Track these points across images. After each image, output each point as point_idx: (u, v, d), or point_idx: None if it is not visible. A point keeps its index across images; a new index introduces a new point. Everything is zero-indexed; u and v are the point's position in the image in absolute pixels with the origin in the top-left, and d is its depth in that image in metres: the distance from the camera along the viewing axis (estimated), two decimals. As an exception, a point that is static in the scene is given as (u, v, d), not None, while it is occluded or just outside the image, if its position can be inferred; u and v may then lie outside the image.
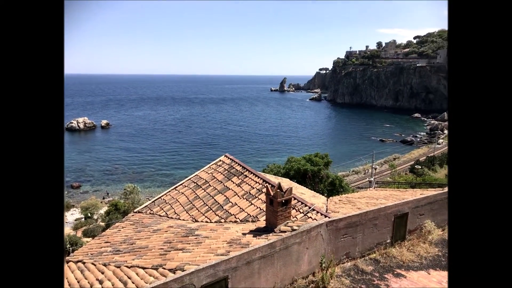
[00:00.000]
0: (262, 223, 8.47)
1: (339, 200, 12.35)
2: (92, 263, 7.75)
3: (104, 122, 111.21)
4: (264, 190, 9.95)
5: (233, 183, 11.39)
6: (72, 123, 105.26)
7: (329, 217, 8.16)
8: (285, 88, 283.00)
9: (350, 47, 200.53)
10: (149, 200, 12.82)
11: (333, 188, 23.58)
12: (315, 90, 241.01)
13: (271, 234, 7.46)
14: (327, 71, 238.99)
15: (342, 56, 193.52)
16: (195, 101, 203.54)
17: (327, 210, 10.06)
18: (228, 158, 13.31)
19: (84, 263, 8.01)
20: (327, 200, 12.83)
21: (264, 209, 8.82)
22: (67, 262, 8.74)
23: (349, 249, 8.51)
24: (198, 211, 10.51)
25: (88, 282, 6.62)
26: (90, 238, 24.20)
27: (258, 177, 11.16)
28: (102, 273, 6.93)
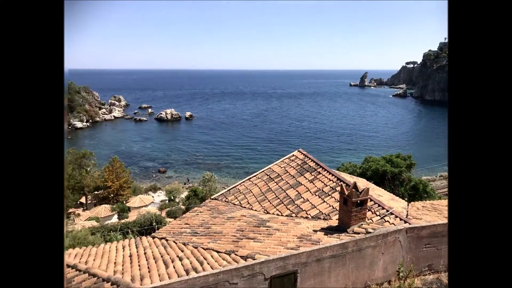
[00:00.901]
0: (334, 222, 8.22)
1: (423, 206, 11.26)
2: (174, 241, 8.54)
3: (188, 114, 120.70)
4: (338, 188, 9.63)
5: (306, 179, 11.28)
6: (161, 113, 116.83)
7: (409, 223, 7.51)
8: (366, 83, 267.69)
9: (445, 38, 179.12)
10: (225, 188, 13.53)
11: (415, 193, 21.59)
12: (400, 86, 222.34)
13: (343, 234, 7.20)
14: (415, 65, 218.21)
15: (435, 48, 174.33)
16: (273, 96, 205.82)
17: (407, 215, 9.26)
18: (302, 153, 13.21)
19: (167, 240, 8.88)
20: (408, 205, 11.81)
21: (337, 208, 8.54)
22: (153, 238, 9.80)
23: (432, 260, 7.71)
24: (270, 203, 10.71)
25: (170, 258, 7.31)
26: (172, 219, 26.73)
27: (332, 175, 10.83)
28: (182, 251, 7.58)
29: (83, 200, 43.48)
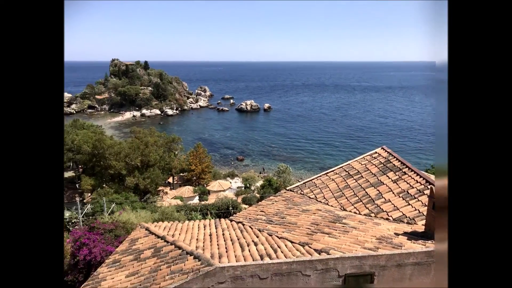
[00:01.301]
0: (419, 227, 7.54)
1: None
2: (250, 226, 8.91)
3: (266, 105, 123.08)
4: (427, 192, 8.77)
5: (389, 178, 10.54)
6: (241, 104, 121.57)
7: None
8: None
9: None
10: (299, 181, 13.50)
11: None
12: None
13: (430, 242, 6.56)
14: None
15: None
16: (357, 89, 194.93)
17: None
18: (385, 151, 12.35)
19: (243, 224, 9.31)
20: None
21: (424, 213, 7.80)
22: (230, 220, 10.38)
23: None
24: (348, 200, 10.33)
25: (246, 241, 7.66)
26: (247, 205, 27.86)
27: (420, 176, 9.90)
28: (257, 237, 7.87)
29: (170, 180, 48.28)
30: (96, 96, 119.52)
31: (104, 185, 37.21)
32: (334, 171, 12.56)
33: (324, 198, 10.99)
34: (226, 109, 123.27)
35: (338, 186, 11.42)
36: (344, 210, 9.88)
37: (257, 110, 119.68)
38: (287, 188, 12.83)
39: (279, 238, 7.57)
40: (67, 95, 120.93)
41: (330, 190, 11.38)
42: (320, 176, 12.71)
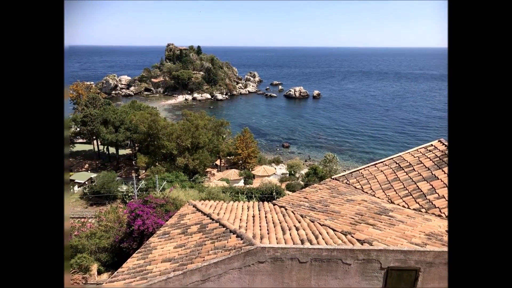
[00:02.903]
0: (476, 227, 7.00)
1: None
2: (292, 212, 8.98)
3: (316, 92, 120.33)
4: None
5: (444, 173, 9.84)
6: (290, 91, 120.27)
7: None
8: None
9: None
10: (345, 171, 13.17)
11: None
12: None
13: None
14: None
15: None
16: (421, 77, 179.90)
17: None
18: (443, 144, 11.49)
19: (286, 209, 9.41)
20: None
21: (483, 212, 7.21)
22: (273, 204, 10.54)
23: None
24: (396, 193, 9.88)
25: (287, 225, 7.77)
26: (290, 192, 27.97)
27: (481, 173, 9.09)
28: (299, 222, 7.92)
29: (217, 162, 49.99)
30: (152, 79, 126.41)
31: (157, 164, 39.74)
32: (384, 162, 12.03)
33: (371, 189, 10.63)
34: (275, 95, 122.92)
35: (386, 177, 10.95)
36: (392, 203, 9.49)
37: (306, 97, 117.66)
38: (333, 177, 12.61)
39: (321, 225, 7.55)
40: (126, 78, 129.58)
41: (377, 181, 10.96)
42: (368, 166, 12.27)
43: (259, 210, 9.66)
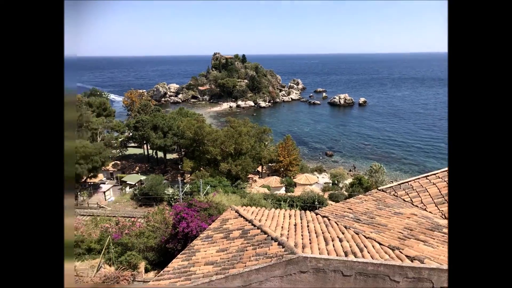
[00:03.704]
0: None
1: None
2: (335, 222, 8.74)
3: (362, 99, 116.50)
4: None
5: (508, 189, 8.94)
6: (334, 98, 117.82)
7: None
8: None
9: None
10: (393, 183, 12.52)
11: None
12: None
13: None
14: None
15: None
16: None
17: None
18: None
19: (329, 219, 9.18)
20: None
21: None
22: (316, 214, 10.34)
23: None
24: (451, 208, 9.18)
25: (330, 236, 7.56)
26: (334, 202, 27.20)
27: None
28: (343, 233, 7.68)
29: (259, 169, 50.31)
30: (198, 87, 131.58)
31: (201, 168, 41.06)
32: (437, 175, 11.25)
33: (422, 202, 9.99)
34: (318, 102, 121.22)
35: (440, 191, 10.22)
36: (446, 218, 8.82)
37: (351, 104, 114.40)
38: (379, 188, 12.06)
39: (366, 238, 7.25)
40: (175, 86, 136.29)
41: (429, 194, 10.27)
42: (419, 178, 11.55)
43: (301, 219, 9.53)
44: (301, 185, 41.25)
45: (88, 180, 40.45)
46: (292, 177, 45.27)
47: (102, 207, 35.04)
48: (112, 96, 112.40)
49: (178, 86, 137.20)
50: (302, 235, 7.99)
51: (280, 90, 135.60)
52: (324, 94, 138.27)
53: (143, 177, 42.13)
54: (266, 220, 9.60)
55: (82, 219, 21.74)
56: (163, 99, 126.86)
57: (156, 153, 54.20)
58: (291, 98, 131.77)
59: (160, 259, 15.69)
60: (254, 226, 8.95)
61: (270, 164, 50.67)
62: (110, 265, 14.59)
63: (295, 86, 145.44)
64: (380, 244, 6.84)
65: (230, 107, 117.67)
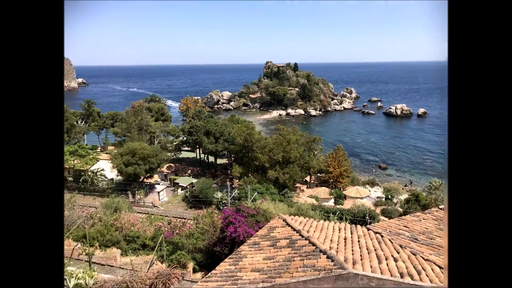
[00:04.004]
0: None
1: None
2: (390, 240, 8.23)
3: (421, 110, 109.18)
4: None
5: None
6: (390, 108, 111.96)
7: None
8: None
9: None
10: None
11: None
12: None
13: None
14: None
15: None
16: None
17: None
18: None
19: (382, 236, 8.68)
20: None
21: None
22: (368, 229, 9.84)
23: None
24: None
25: (384, 254, 7.13)
26: (386, 218, 25.64)
27: None
28: (398, 252, 7.19)
29: (307, 178, 49.49)
30: (250, 95, 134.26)
31: (249, 174, 41.61)
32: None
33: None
34: (373, 112, 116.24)
35: None
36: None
37: (408, 115, 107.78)
38: (440, 207, 11.13)
39: (425, 259, 6.70)
40: (228, 93, 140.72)
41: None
42: (488, 199, 10.44)
43: (351, 233, 9.15)
44: (351, 198, 39.66)
45: (145, 180, 43.25)
46: (342, 189, 43.76)
47: (156, 206, 37.17)
48: (169, 102, 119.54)
49: (230, 93, 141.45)
50: (352, 250, 7.66)
51: (332, 99, 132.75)
52: (379, 103, 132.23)
53: (194, 180, 43.90)
54: (314, 231, 9.38)
55: (138, 216, 23.27)
56: (216, 106, 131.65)
57: (207, 158, 56.23)
58: (343, 107, 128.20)
59: (207, 261, 16.13)
60: (302, 236, 8.79)
61: (319, 174, 49.58)
62: (161, 262, 15.37)
63: (348, 95, 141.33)
64: (440, 267, 6.29)
65: (280, 115, 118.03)
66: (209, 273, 8.91)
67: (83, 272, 8.74)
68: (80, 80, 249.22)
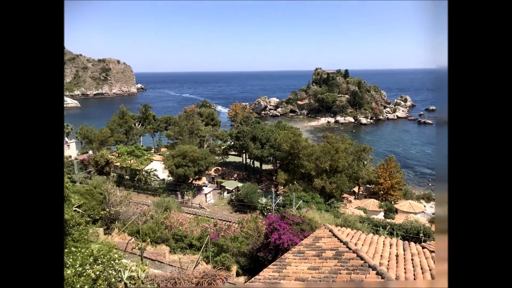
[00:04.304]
0: None
1: None
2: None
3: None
4: None
5: None
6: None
7: None
8: None
9: None
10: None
11: None
12: None
13: None
14: None
15: None
16: None
17: None
18: None
19: (439, 256, 8.03)
20: None
21: None
22: (423, 247, 9.17)
23: None
24: None
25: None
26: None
27: None
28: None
29: (355, 189, 47.62)
30: (298, 102, 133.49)
31: (295, 182, 41.19)
32: None
33: None
34: (430, 122, 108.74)
35: None
36: None
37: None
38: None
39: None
40: (275, 100, 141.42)
41: None
42: None
43: (404, 250, 8.60)
44: (403, 212, 37.26)
45: (194, 181, 44.98)
46: (393, 202, 41.36)
47: (203, 207, 38.41)
48: (219, 108, 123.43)
49: (278, 100, 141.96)
50: (405, 269, 7.20)
51: (385, 107, 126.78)
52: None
53: (240, 184, 44.62)
54: (362, 245, 8.98)
55: (186, 216, 24.23)
56: (263, 112, 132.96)
57: (253, 163, 56.89)
58: (397, 115, 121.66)
59: (250, 265, 16.22)
60: (350, 249, 8.47)
61: (368, 186, 47.45)
62: (206, 263, 15.80)
63: (402, 103, 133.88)
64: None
65: (328, 122, 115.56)
66: (253, 278, 8.95)
67: (136, 266, 9.32)
68: (139, 85, 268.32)
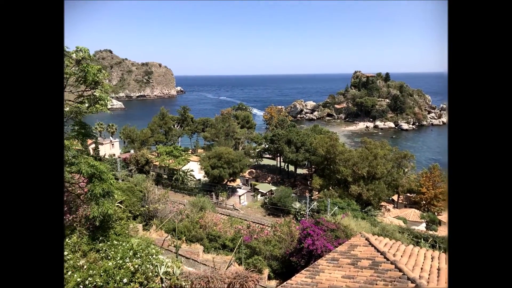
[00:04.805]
0: None
1: None
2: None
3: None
4: None
5: None
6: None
7: None
8: None
9: None
10: None
11: None
12: None
13: None
14: None
15: None
16: None
17: None
18: None
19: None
20: None
21: None
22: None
23: None
24: None
25: None
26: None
27: None
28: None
29: (395, 198, 45.51)
30: (335, 105, 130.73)
31: (330, 188, 40.29)
32: None
33: None
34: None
35: None
36: None
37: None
38: None
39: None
40: (311, 103, 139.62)
41: None
42: None
43: (446, 264, 8.05)
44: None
45: (228, 183, 45.65)
46: (436, 213, 38.98)
47: (237, 209, 38.82)
48: (254, 111, 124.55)
49: (314, 103, 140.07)
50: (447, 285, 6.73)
51: (429, 112, 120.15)
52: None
53: (273, 188, 44.52)
54: (401, 256, 8.55)
55: (220, 217, 24.64)
56: (299, 115, 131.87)
57: (287, 166, 56.52)
58: (442, 121, 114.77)
59: (282, 270, 16.09)
60: (387, 259, 8.10)
61: (408, 194, 45.13)
62: (239, 264, 15.93)
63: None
64: None
65: (367, 127, 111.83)
66: (285, 283, 8.86)
67: (171, 262, 9.64)
68: (178, 88, 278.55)
